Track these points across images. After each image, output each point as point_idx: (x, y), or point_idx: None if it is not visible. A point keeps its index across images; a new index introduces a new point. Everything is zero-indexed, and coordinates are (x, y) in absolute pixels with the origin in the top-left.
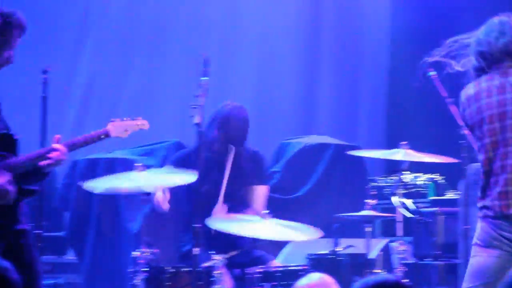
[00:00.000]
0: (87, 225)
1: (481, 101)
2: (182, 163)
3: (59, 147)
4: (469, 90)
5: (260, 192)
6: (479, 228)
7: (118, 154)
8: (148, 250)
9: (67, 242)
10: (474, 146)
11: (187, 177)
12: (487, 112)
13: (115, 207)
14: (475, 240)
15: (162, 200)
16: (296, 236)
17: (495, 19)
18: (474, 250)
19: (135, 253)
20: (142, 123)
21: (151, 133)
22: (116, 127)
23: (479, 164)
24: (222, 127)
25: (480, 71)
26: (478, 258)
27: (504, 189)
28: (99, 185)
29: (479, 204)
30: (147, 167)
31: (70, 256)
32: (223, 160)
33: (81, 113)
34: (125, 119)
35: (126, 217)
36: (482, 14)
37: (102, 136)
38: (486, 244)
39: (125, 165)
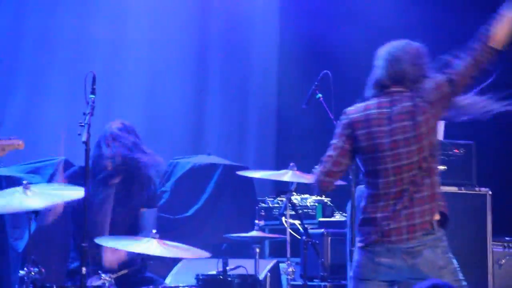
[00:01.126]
0: None
1: (372, 128)
2: (73, 180)
3: None
4: (357, 113)
5: (149, 216)
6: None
7: (3, 171)
8: (34, 269)
9: None
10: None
11: (76, 193)
12: (378, 139)
13: (0, 225)
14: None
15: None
16: (184, 253)
17: (385, 47)
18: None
19: (22, 272)
20: (18, 143)
21: (37, 150)
22: None
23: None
24: (109, 145)
25: (371, 95)
26: None
27: (382, 215)
28: None
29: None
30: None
31: None
32: (110, 181)
33: None
34: (0, 139)
35: (12, 235)
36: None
37: None
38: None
39: (10, 183)
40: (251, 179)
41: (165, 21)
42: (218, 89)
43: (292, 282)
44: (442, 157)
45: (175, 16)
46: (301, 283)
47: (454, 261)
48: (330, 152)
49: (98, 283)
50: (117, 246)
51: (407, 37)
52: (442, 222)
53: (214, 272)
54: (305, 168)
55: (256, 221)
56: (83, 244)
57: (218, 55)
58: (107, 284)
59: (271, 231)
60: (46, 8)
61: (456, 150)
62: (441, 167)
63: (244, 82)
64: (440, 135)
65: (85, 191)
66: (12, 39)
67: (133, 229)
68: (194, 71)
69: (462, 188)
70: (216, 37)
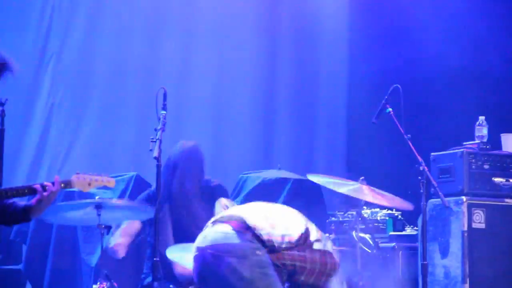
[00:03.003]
0: (45, 258)
1: None
2: (149, 201)
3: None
4: None
5: None
6: None
7: None
8: (107, 283)
9: (24, 276)
10: (434, 182)
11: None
12: None
13: (73, 240)
14: None
15: (120, 246)
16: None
17: None
18: None
19: (95, 287)
20: (107, 181)
21: (109, 165)
22: (80, 180)
23: (437, 200)
24: (176, 168)
25: None
26: None
27: None
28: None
29: None
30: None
31: None
32: (188, 199)
33: (41, 143)
34: (90, 174)
35: (84, 250)
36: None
37: (62, 185)
38: None
39: (82, 197)
40: (321, 193)
41: (233, 35)
42: (287, 102)
43: None
44: None
45: (243, 31)
46: None
47: None
48: None
49: None
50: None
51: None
52: None
53: None
54: (375, 183)
55: (326, 235)
56: (155, 259)
57: (286, 68)
58: None
59: (341, 245)
60: (117, 29)
61: None
62: None
63: (313, 96)
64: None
65: (157, 207)
66: (87, 55)
67: None
68: (263, 84)
69: None
70: (285, 51)
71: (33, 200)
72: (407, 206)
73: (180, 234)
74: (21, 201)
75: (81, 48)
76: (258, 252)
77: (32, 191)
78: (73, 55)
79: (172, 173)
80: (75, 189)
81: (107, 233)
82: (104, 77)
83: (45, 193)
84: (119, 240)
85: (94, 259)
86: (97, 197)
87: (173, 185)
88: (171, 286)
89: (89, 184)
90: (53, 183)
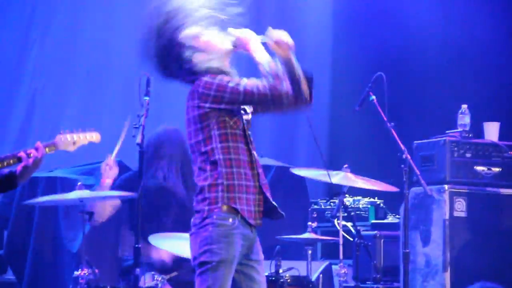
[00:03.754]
0: (27, 244)
1: None
2: (127, 186)
3: (38, 153)
4: None
5: None
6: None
7: (59, 173)
8: (88, 269)
9: (5, 261)
10: (416, 171)
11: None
12: None
13: (55, 226)
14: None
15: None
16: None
17: None
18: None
19: (76, 273)
20: (92, 136)
21: (92, 152)
22: (64, 141)
23: (419, 188)
24: (157, 152)
25: None
26: None
27: None
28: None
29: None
30: (88, 186)
31: (10, 276)
32: (167, 186)
33: (24, 128)
34: (73, 133)
35: (66, 236)
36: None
37: (47, 149)
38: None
39: (65, 184)
40: (303, 181)
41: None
42: None
43: (345, 284)
44: (497, 159)
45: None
46: (353, 285)
47: None
48: None
49: (152, 283)
50: (172, 251)
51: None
52: None
53: (266, 274)
54: (358, 170)
55: (309, 223)
56: (137, 246)
57: None
58: (159, 285)
59: (323, 233)
60: (100, 14)
61: (511, 152)
62: (496, 169)
63: None
64: (495, 136)
65: (138, 193)
66: (71, 39)
67: None
68: (245, 70)
69: None
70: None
71: (18, 167)
72: (392, 189)
73: (165, 222)
74: (5, 169)
75: (64, 33)
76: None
77: (17, 160)
78: (56, 41)
79: (154, 157)
80: (61, 149)
81: (89, 220)
82: (87, 63)
83: (30, 159)
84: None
85: (75, 245)
86: (79, 183)
87: (157, 171)
88: (153, 272)
89: (74, 143)
90: (36, 149)
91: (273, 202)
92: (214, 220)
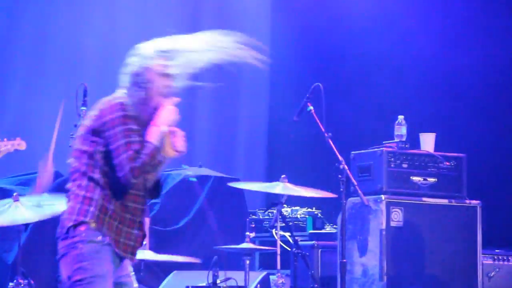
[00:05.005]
0: None
1: None
2: (61, 190)
3: None
4: None
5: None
6: None
7: None
8: (24, 281)
9: None
10: (353, 181)
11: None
12: None
13: None
14: None
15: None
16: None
17: None
18: None
19: (11, 284)
20: (18, 143)
21: (27, 162)
22: None
23: (357, 198)
24: None
25: None
26: None
27: None
28: None
29: None
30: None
31: None
32: None
33: None
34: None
35: (1, 247)
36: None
37: None
38: None
39: (1, 195)
40: (241, 191)
41: (153, 23)
42: (208, 100)
43: None
44: (433, 169)
45: (165, 19)
46: None
47: None
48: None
49: None
50: None
51: (400, 45)
52: None
53: (204, 284)
54: (296, 180)
55: (247, 233)
56: None
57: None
58: None
59: (261, 243)
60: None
61: (447, 163)
62: (432, 180)
63: (235, 94)
64: (431, 147)
65: None
66: (7, 44)
67: None
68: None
69: (453, 200)
70: None
71: None
72: (330, 195)
73: None
74: None
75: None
76: None
77: None
78: None
79: None
80: None
81: (25, 231)
82: (23, 71)
83: None
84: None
85: (11, 257)
86: (15, 194)
87: None
88: None
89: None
90: None
91: None
92: None
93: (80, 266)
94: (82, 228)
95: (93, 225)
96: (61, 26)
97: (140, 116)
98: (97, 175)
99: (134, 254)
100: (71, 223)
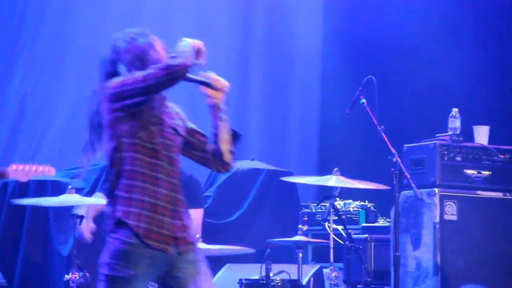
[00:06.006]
0: (17, 248)
1: None
2: None
3: None
4: None
5: (195, 216)
6: None
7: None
8: (79, 273)
9: None
10: (406, 174)
11: None
12: None
13: (45, 230)
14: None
15: (85, 230)
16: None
17: None
18: None
19: (67, 277)
20: (47, 170)
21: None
22: (17, 170)
23: (410, 191)
24: None
25: None
26: None
27: None
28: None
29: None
30: (79, 189)
31: (0, 278)
32: None
33: (14, 130)
34: (27, 165)
35: (56, 239)
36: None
37: None
38: None
39: (56, 188)
40: (294, 184)
41: (208, 23)
42: (260, 93)
43: (335, 287)
44: (487, 162)
45: (218, 19)
46: None
47: None
48: None
49: None
50: None
51: (452, 39)
52: None
53: (257, 277)
54: (348, 174)
55: (299, 226)
56: None
57: (259, 58)
58: None
59: (314, 236)
60: (91, 16)
61: (501, 156)
62: (486, 173)
63: (287, 87)
64: (485, 140)
65: None
66: (57, 47)
67: None
68: (236, 76)
69: (507, 193)
70: (258, 40)
71: None
72: (384, 187)
73: None
74: None
75: (54, 36)
76: None
77: None
78: (47, 43)
79: None
80: (11, 178)
81: (80, 223)
82: (78, 66)
83: None
84: (83, 223)
85: (66, 249)
86: (69, 187)
87: None
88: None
89: (27, 174)
90: None
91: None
92: None
93: (110, 262)
94: (120, 226)
95: (129, 225)
96: (114, 19)
97: None
98: (127, 166)
99: (169, 244)
100: (111, 220)
